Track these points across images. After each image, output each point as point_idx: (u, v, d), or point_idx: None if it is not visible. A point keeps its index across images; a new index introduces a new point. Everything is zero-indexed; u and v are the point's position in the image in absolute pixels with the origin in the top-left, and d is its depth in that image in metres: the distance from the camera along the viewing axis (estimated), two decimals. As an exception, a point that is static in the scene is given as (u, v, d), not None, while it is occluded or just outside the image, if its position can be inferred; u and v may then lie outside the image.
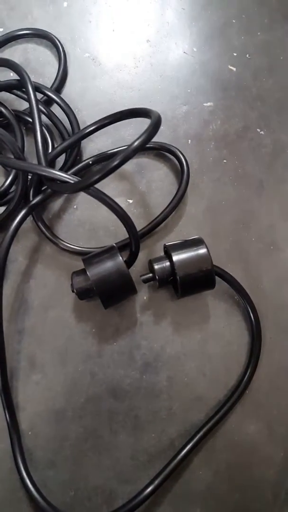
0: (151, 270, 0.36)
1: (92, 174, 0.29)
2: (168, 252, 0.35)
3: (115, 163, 0.28)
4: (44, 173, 0.31)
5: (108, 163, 0.29)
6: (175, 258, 0.33)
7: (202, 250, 0.33)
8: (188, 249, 0.34)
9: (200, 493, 0.34)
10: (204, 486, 0.34)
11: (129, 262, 0.35)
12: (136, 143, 0.29)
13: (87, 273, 0.33)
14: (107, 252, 0.34)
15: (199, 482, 0.34)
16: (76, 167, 0.38)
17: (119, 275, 0.33)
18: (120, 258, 0.33)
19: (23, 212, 0.35)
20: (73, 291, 0.35)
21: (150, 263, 0.35)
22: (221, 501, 0.34)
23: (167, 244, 0.35)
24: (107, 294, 0.34)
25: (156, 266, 0.35)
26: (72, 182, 0.31)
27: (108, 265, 0.33)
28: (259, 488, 0.35)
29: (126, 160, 0.29)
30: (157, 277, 0.35)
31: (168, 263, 0.35)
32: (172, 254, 0.33)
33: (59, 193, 0.36)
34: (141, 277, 0.36)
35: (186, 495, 0.34)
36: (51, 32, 0.44)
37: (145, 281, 0.35)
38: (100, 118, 0.40)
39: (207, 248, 0.34)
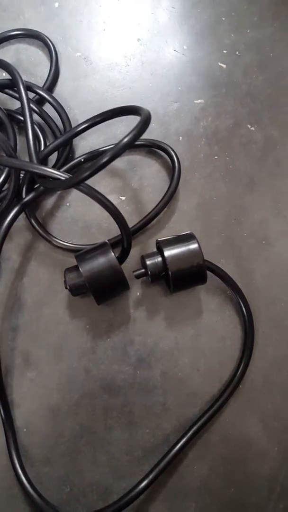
0: (144, 265, 0.36)
1: (82, 171, 0.30)
2: (160, 248, 0.35)
3: (105, 159, 0.29)
4: (35, 170, 0.32)
5: (98, 160, 0.29)
6: (167, 253, 0.33)
7: (194, 245, 0.34)
8: (179, 245, 0.34)
9: (195, 488, 0.34)
10: (199, 481, 0.34)
11: (121, 258, 0.36)
12: (125, 140, 0.29)
13: (80, 269, 0.33)
14: (100, 248, 0.34)
15: (194, 477, 0.35)
16: (68, 165, 0.39)
17: (112, 271, 0.33)
18: (112, 254, 0.33)
19: (15, 209, 0.35)
20: (66, 288, 0.35)
21: (143, 259, 0.36)
22: (216, 495, 0.34)
23: (159, 239, 0.35)
24: (99, 290, 0.34)
25: (148, 262, 0.35)
26: (63, 179, 0.31)
27: (100, 261, 0.33)
28: (254, 482, 0.35)
29: (115, 156, 0.29)
30: (149, 272, 0.35)
31: (160, 259, 0.35)
32: (164, 249, 0.34)
33: (51, 190, 0.37)
34: (134, 272, 0.36)
35: (181, 489, 0.34)
36: (43, 33, 0.44)
37: (138, 276, 0.36)
38: (91, 115, 0.40)
39: (198, 244, 0.34)
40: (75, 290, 0.35)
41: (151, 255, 0.35)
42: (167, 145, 0.40)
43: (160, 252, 0.35)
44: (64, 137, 0.38)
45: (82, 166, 0.40)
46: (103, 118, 0.36)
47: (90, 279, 0.33)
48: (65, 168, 0.38)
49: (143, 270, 0.36)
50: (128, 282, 0.34)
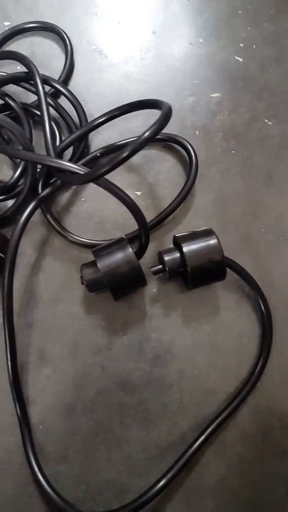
0: (161, 261, 0.35)
1: (101, 165, 0.29)
2: (178, 243, 0.34)
3: (125, 154, 0.28)
4: (53, 164, 0.31)
5: (118, 154, 0.28)
6: (186, 249, 0.33)
7: (213, 241, 0.33)
8: (198, 240, 0.33)
9: (212, 487, 0.34)
10: (216, 480, 0.34)
11: (139, 254, 0.35)
12: (146, 134, 0.28)
13: (97, 264, 0.32)
14: (117, 243, 0.34)
15: (211, 476, 0.34)
16: (84, 159, 0.38)
17: (130, 266, 0.33)
18: (130, 249, 0.33)
19: (32, 204, 0.34)
20: (83, 283, 0.34)
21: (160, 254, 0.35)
22: (233, 494, 0.34)
23: (177, 235, 0.35)
24: (117, 286, 0.33)
25: (166, 258, 0.34)
26: (82, 173, 0.31)
27: (118, 257, 0.33)
28: (272, 481, 0.34)
29: (136, 151, 0.28)
30: (167, 268, 0.34)
31: (178, 254, 0.34)
32: (182, 245, 0.33)
33: (69, 184, 0.36)
34: (151, 269, 0.35)
35: (198, 488, 0.34)
36: (57, 25, 0.43)
37: (155, 272, 0.35)
38: (106, 110, 0.40)
39: (217, 239, 0.33)
40: (92, 286, 0.34)
41: (169, 250, 0.35)
42: (184, 139, 0.39)
43: (178, 247, 0.34)
44: (81, 130, 0.37)
45: (98, 161, 0.40)
46: (122, 111, 0.36)
47: (107, 275, 0.32)
48: (81, 162, 0.38)
49: (160, 266, 0.35)
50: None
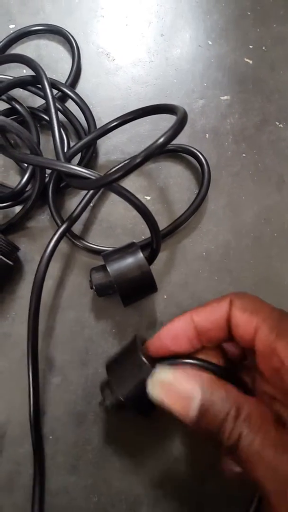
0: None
1: (114, 171, 0.28)
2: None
3: (138, 160, 0.27)
4: (64, 169, 0.31)
5: (131, 160, 0.28)
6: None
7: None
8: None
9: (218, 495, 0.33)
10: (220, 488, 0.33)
11: (150, 259, 0.34)
12: (161, 140, 0.28)
13: (107, 268, 0.32)
14: (128, 248, 0.33)
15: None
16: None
17: (140, 271, 0.32)
18: (141, 254, 0.32)
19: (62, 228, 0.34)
20: (91, 288, 0.34)
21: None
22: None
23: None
24: (127, 291, 0.32)
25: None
26: (94, 178, 0.30)
27: (128, 261, 0.32)
28: None
29: (149, 157, 0.28)
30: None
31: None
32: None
33: (80, 189, 0.35)
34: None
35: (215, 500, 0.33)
36: (64, 28, 0.43)
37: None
38: (115, 113, 0.39)
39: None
40: (101, 291, 0.34)
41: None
42: (197, 150, 0.38)
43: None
44: (93, 134, 0.37)
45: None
46: (135, 116, 0.35)
47: (118, 279, 0.32)
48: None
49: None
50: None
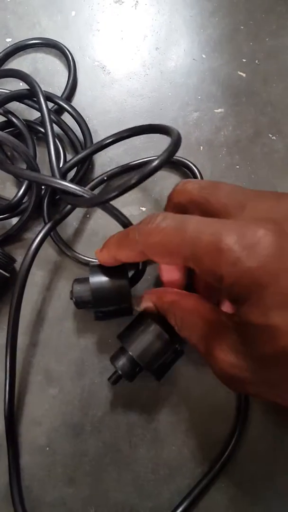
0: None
1: (108, 191, 0.30)
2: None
3: (133, 182, 0.29)
4: (59, 186, 0.31)
5: (126, 181, 0.29)
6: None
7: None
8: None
9: (224, 507, 0.33)
10: (227, 499, 0.34)
11: (135, 280, 0.35)
12: (155, 163, 0.29)
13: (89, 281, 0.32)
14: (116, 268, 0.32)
15: (222, 495, 0.34)
16: (91, 184, 0.38)
17: (120, 293, 0.32)
18: (126, 279, 0.32)
19: (41, 234, 0.34)
20: (71, 298, 0.33)
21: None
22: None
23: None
24: (101, 307, 0.32)
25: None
26: (88, 197, 0.31)
27: (110, 279, 0.32)
28: (284, 498, 0.34)
29: (143, 179, 0.29)
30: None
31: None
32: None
33: (74, 206, 0.36)
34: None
35: (210, 509, 0.33)
36: (60, 41, 0.43)
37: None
38: (110, 126, 0.41)
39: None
40: (80, 304, 0.33)
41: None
42: (190, 162, 0.39)
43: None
44: (88, 150, 0.37)
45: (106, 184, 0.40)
46: (131, 133, 0.36)
47: (95, 293, 0.31)
48: (88, 186, 0.38)
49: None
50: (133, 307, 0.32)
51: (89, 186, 0.38)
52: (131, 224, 0.33)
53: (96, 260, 0.33)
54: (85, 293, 0.33)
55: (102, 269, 0.33)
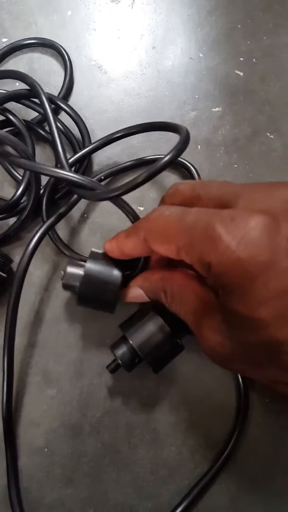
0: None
1: (118, 186, 0.30)
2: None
3: (142, 179, 0.29)
4: (74, 179, 0.31)
5: (136, 178, 0.29)
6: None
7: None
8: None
9: (224, 507, 0.33)
10: (228, 500, 0.33)
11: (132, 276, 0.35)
12: (167, 158, 0.29)
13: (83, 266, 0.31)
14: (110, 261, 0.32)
15: (222, 496, 0.33)
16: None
17: (107, 288, 0.31)
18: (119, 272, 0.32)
19: (39, 233, 0.34)
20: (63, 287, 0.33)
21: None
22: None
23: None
24: (86, 297, 0.32)
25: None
26: (99, 191, 0.31)
27: (103, 270, 0.32)
28: (284, 499, 0.34)
29: (153, 176, 0.29)
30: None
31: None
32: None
33: (84, 198, 0.36)
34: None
35: (210, 509, 0.33)
36: (56, 41, 0.43)
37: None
38: (107, 125, 0.41)
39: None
40: (68, 287, 0.33)
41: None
42: (188, 162, 0.39)
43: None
44: (91, 147, 0.37)
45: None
46: (138, 130, 0.36)
47: (82, 285, 0.31)
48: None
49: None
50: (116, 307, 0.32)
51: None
52: (139, 218, 0.33)
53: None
54: (75, 279, 0.32)
55: (101, 257, 0.32)
